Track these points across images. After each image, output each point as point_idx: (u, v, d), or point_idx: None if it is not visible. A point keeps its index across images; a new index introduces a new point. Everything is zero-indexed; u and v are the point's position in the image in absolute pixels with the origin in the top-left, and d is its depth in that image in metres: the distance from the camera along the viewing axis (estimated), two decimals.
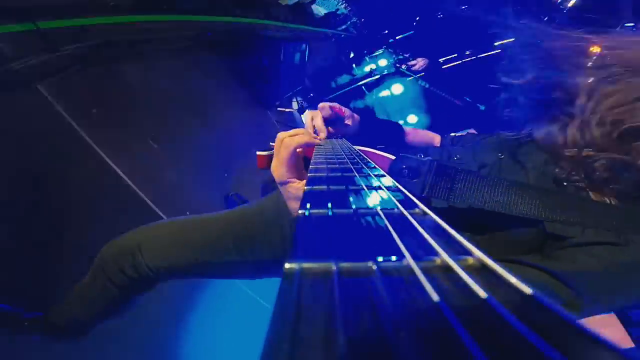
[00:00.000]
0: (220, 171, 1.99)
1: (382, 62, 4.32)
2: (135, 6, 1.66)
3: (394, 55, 4.30)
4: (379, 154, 0.57)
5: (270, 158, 0.75)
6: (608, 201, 0.50)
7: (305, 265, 0.12)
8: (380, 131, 0.88)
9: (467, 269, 0.13)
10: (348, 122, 0.79)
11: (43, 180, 1.14)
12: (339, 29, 4.89)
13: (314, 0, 3.98)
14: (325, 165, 0.35)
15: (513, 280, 0.11)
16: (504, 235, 0.55)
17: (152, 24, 1.73)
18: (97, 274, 0.87)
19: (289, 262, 0.13)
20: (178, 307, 1.40)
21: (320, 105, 0.77)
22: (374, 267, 0.13)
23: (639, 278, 0.47)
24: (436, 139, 0.95)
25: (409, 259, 0.14)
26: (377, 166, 0.33)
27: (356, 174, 0.30)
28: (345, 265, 0.13)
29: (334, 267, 0.12)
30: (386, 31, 4.95)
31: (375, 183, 0.27)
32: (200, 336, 1.42)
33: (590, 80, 0.54)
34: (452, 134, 0.91)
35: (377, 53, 4.45)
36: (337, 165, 0.35)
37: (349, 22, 5.07)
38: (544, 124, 0.61)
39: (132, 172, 1.44)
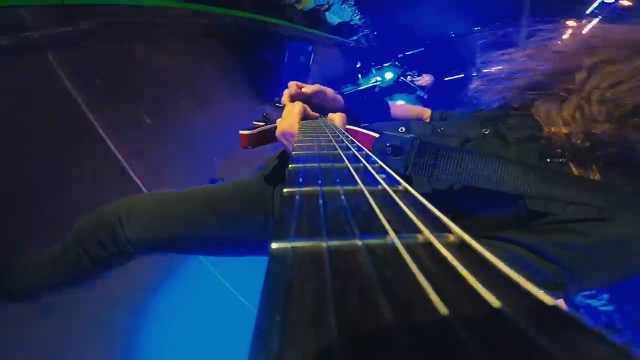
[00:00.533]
0: (209, 155, 2.02)
1: (388, 75, 4.27)
2: None
3: (401, 70, 4.27)
4: (362, 132, 0.56)
5: (253, 137, 0.74)
6: (592, 177, 0.51)
7: (294, 244, 0.13)
8: (365, 108, 0.88)
9: (447, 245, 0.13)
10: (331, 99, 0.79)
11: (30, 138, 1.16)
12: (351, 39, 4.86)
13: (329, 8, 3.93)
14: (309, 143, 0.34)
15: (490, 257, 0.11)
16: (486, 214, 0.56)
17: (167, 9, 1.83)
18: (71, 244, 0.85)
19: (276, 241, 0.13)
20: (144, 285, 1.41)
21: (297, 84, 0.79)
22: (360, 244, 0.13)
23: (624, 253, 0.48)
24: (426, 113, 0.95)
25: (392, 236, 0.14)
26: (360, 144, 0.33)
27: (340, 152, 0.30)
28: (333, 243, 0.13)
29: (323, 245, 0.13)
30: (396, 46, 4.94)
31: (359, 161, 0.27)
32: (162, 317, 1.42)
33: (593, 59, 0.54)
34: (441, 111, 0.92)
35: (384, 65, 4.39)
36: (321, 143, 0.35)
37: (360, 34, 5.03)
38: (541, 99, 0.62)
39: (121, 142, 1.47)
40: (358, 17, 4.91)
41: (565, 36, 0.64)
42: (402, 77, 4.15)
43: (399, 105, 0.94)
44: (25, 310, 0.99)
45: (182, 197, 0.83)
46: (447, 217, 0.16)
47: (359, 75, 4.55)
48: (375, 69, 4.44)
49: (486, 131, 0.64)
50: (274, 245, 0.12)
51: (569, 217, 0.48)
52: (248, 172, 0.93)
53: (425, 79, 4.12)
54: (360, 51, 5.06)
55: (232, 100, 2.48)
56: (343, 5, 4.55)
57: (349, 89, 4.27)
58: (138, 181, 1.49)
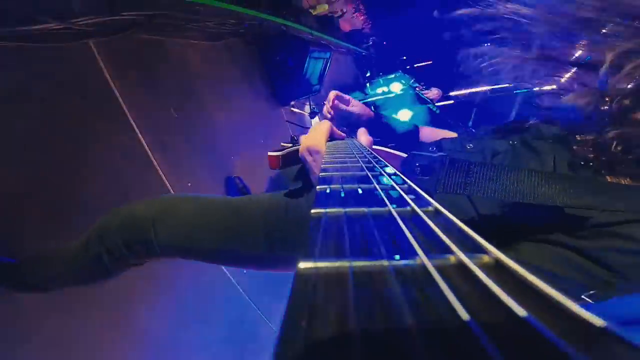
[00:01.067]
0: (227, 154, 2.10)
1: (395, 86, 4.31)
2: None
3: (408, 81, 4.31)
4: (390, 152, 0.56)
5: (281, 158, 0.76)
6: (624, 182, 0.49)
7: (320, 264, 0.13)
8: (393, 130, 0.88)
9: (483, 267, 0.12)
10: (354, 109, 0.80)
11: (63, 121, 1.24)
12: (362, 46, 5.05)
13: (342, 15, 4.16)
14: (337, 165, 0.35)
15: (530, 277, 0.11)
16: (528, 225, 0.53)
17: (202, 6, 1.91)
18: (93, 242, 0.82)
19: (303, 261, 0.13)
20: (156, 284, 1.42)
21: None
22: (388, 265, 0.13)
23: None
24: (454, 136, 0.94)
25: (422, 257, 0.13)
26: (389, 164, 0.33)
27: (368, 173, 0.30)
28: (359, 264, 0.13)
29: (348, 266, 0.12)
30: (404, 57, 5.03)
31: (388, 182, 0.27)
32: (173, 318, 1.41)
33: (615, 49, 0.49)
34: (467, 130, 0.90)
35: (392, 76, 4.45)
36: (349, 164, 0.35)
37: (371, 42, 5.22)
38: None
39: (148, 133, 1.56)
40: (369, 25, 5.01)
41: None
42: (414, 89, 4.10)
43: (428, 128, 0.93)
44: (37, 302, 1.00)
45: (230, 208, 0.79)
46: (492, 240, 0.15)
47: (367, 85, 4.58)
48: (383, 79, 4.45)
49: (513, 142, 0.62)
50: (301, 265, 0.12)
51: (608, 221, 0.46)
52: (263, 173, 0.92)
53: (433, 93, 4.04)
54: (370, 60, 5.12)
55: (250, 101, 2.57)
56: (355, 14, 4.67)
57: (356, 94, 4.30)
58: (161, 172, 1.55)
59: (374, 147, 0.61)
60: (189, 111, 1.86)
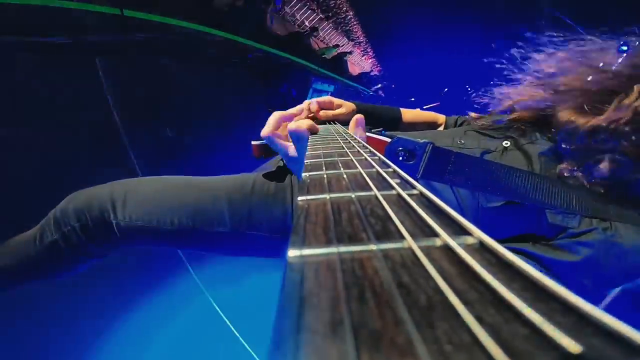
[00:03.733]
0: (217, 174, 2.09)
1: None
2: (206, 20, 2.03)
3: None
4: (375, 137, 0.56)
5: (264, 147, 0.75)
6: (601, 192, 0.53)
7: (308, 251, 0.13)
8: (377, 115, 0.88)
9: (467, 248, 0.13)
10: (341, 110, 0.78)
11: (58, 129, 1.27)
12: (372, 88, 5.09)
13: (350, 53, 4.26)
14: (321, 150, 0.35)
15: (512, 258, 0.11)
16: (508, 230, 0.57)
17: (207, 34, 2.04)
18: (48, 229, 0.76)
19: (291, 250, 0.13)
20: (132, 296, 1.40)
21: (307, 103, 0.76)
22: (376, 250, 0.13)
23: (625, 263, 0.50)
24: (440, 119, 0.94)
25: (409, 240, 0.14)
26: (372, 149, 0.33)
27: (352, 158, 0.30)
28: (346, 249, 0.13)
29: (336, 252, 0.13)
30: (413, 99, 5.06)
31: (372, 166, 0.27)
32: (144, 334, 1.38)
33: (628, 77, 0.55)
34: (456, 116, 0.91)
35: None
36: (333, 150, 0.35)
37: (379, 85, 5.24)
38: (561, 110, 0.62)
39: (139, 149, 1.58)
40: (377, 69, 5.14)
41: (609, 55, 0.62)
42: None
43: (411, 111, 0.94)
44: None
45: (191, 185, 0.76)
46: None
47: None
48: None
49: (507, 144, 0.64)
50: (290, 254, 0.12)
51: (582, 230, 0.51)
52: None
53: None
54: (378, 101, 5.22)
55: (248, 128, 2.56)
56: (363, 58, 4.76)
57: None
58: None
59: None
60: (184, 132, 1.88)
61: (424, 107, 4.90)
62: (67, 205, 0.76)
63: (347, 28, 4.03)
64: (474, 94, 0.76)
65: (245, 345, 1.58)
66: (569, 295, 0.08)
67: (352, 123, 0.55)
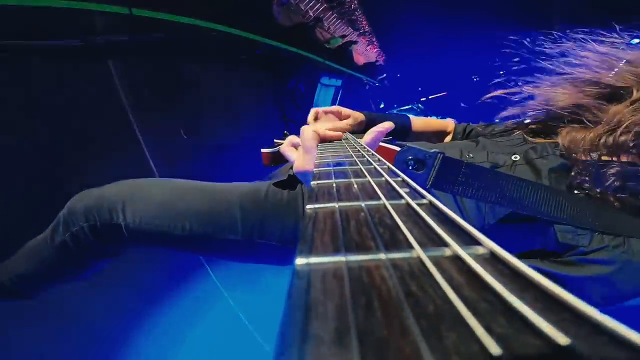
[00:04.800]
0: (234, 178, 2.13)
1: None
2: (215, 16, 2.05)
3: (422, 112, 4.37)
4: (384, 146, 0.56)
5: (274, 155, 0.76)
6: (615, 207, 0.52)
7: (316, 260, 0.13)
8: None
9: (478, 258, 0.12)
10: (349, 121, 0.78)
11: (74, 132, 1.29)
12: (377, 78, 5.13)
13: (355, 43, 4.32)
14: (330, 159, 0.35)
15: (524, 268, 0.11)
16: (517, 248, 0.56)
17: (219, 33, 2.06)
18: (58, 229, 0.76)
19: (298, 258, 0.13)
20: (151, 297, 1.40)
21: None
22: (384, 259, 0.13)
23: (637, 279, 0.49)
24: (449, 127, 0.93)
25: (418, 250, 0.14)
26: (382, 158, 0.33)
27: (362, 167, 0.30)
28: (355, 258, 0.13)
29: (344, 261, 0.12)
30: (420, 88, 5.09)
31: (381, 175, 0.27)
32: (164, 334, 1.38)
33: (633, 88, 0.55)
34: (465, 124, 0.90)
35: (406, 107, 4.49)
36: (342, 159, 0.35)
37: (384, 75, 5.30)
38: (565, 127, 0.63)
39: (156, 151, 1.60)
40: (382, 58, 5.15)
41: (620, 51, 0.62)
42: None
43: (421, 119, 0.93)
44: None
45: (204, 191, 0.76)
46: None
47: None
48: (397, 111, 4.48)
49: (516, 158, 0.63)
50: (297, 262, 0.12)
51: (593, 247, 0.49)
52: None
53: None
54: (385, 91, 5.22)
55: (258, 125, 2.59)
56: (368, 47, 4.80)
57: None
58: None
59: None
60: (198, 131, 1.90)
61: (431, 96, 4.86)
62: (75, 205, 0.76)
63: (352, 17, 4.04)
64: (486, 96, 0.75)
65: (265, 346, 1.58)
66: (582, 305, 0.07)
67: (371, 134, 0.54)
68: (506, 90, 0.73)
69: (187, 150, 1.81)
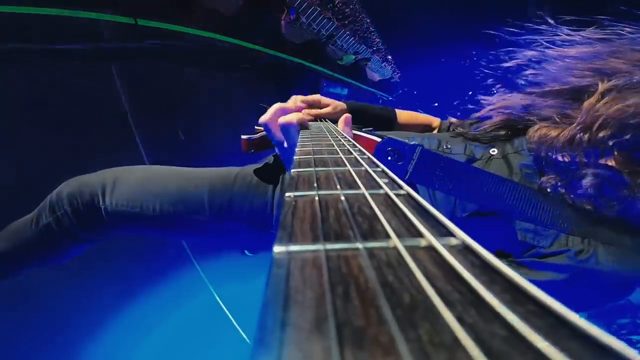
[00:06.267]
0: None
1: None
2: (221, 28, 2.16)
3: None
4: (366, 136, 0.57)
5: (253, 142, 0.74)
6: (585, 208, 0.50)
7: (294, 248, 0.13)
8: (370, 114, 0.87)
9: (450, 249, 0.13)
10: (327, 109, 0.77)
11: (74, 131, 1.32)
12: (393, 95, 5.11)
13: (368, 61, 4.24)
14: (310, 148, 0.34)
15: (495, 260, 0.11)
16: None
17: (216, 41, 2.13)
18: (44, 213, 0.80)
19: (277, 246, 0.13)
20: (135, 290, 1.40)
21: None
22: (361, 247, 0.13)
23: (598, 286, 0.49)
24: (435, 122, 0.94)
25: (394, 240, 0.14)
26: (362, 148, 0.33)
27: (342, 156, 0.30)
28: (332, 247, 0.13)
29: (323, 250, 0.13)
30: (436, 104, 5.07)
31: (361, 165, 0.27)
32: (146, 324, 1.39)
33: (609, 84, 0.52)
34: (452, 119, 0.90)
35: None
36: (322, 148, 0.35)
37: (400, 92, 5.28)
38: (537, 124, 0.60)
39: (153, 152, 1.63)
40: (397, 75, 5.15)
41: (571, 51, 0.60)
42: None
43: (407, 112, 0.94)
44: None
45: (176, 174, 0.80)
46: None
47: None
48: None
49: (494, 152, 0.63)
50: (276, 249, 0.12)
51: (554, 250, 0.49)
52: None
53: None
54: (397, 106, 5.26)
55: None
56: (383, 64, 4.78)
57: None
58: None
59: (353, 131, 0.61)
60: (196, 135, 1.93)
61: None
62: (62, 190, 0.79)
63: (365, 35, 4.07)
64: (457, 102, 0.77)
65: (247, 339, 1.60)
66: (547, 298, 0.08)
67: (340, 121, 0.56)
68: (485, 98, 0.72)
69: (185, 153, 1.84)
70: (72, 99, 1.32)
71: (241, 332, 1.60)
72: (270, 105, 0.60)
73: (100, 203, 0.75)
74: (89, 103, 1.38)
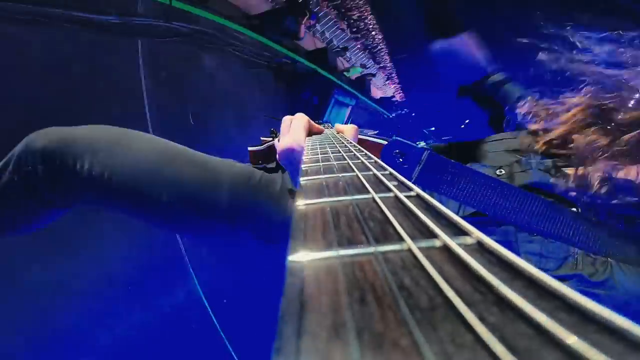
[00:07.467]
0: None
1: None
2: (247, 22, 2.29)
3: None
4: (372, 140, 0.56)
5: (260, 153, 0.75)
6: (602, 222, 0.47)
7: (308, 256, 0.12)
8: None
9: (466, 248, 0.13)
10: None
11: (88, 103, 1.34)
12: (394, 113, 5.21)
13: (373, 75, 4.47)
14: (318, 155, 0.35)
15: (512, 257, 0.11)
16: None
17: (241, 34, 2.20)
18: (6, 167, 0.65)
19: (290, 255, 0.13)
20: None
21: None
22: (375, 251, 0.13)
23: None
24: None
25: (408, 242, 0.14)
26: (368, 153, 0.33)
27: (349, 162, 0.30)
28: (346, 252, 0.13)
29: (336, 256, 0.12)
30: (433, 128, 5.09)
31: (369, 169, 0.27)
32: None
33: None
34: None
35: (418, 145, 4.59)
36: (329, 153, 0.35)
37: (401, 112, 5.36)
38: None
39: (161, 133, 1.64)
40: (400, 96, 5.20)
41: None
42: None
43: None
44: None
45: (191, 158, 0.71)
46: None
47: None
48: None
49: (501, 172, 0.60)
50: (290, 259, 0.12)
51: (559, 275, 0.46)
52: None
53: None
54: (399, 126, 5.28)
55: (267, 128, 2.64)
56: (387, 82, 4.82)
57: None
58: None
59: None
60: (205, 122, 1.96)
61: (443, 137, 4.96)
62: (34, 142, 0.63)
63: (375, 51, 4.12)
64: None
65: (222, 334, 1.60)
66: (573, 293, 0.08)
67: (350, 131, 0.55)
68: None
69: (192, 137, 1.84)
70: (93, 69, 1.36)
71: (217, 324, 1.61)
72: (275, 117, 0.59)
73: (85, 171, 0.60)
74: (108, 75, 1.42)
